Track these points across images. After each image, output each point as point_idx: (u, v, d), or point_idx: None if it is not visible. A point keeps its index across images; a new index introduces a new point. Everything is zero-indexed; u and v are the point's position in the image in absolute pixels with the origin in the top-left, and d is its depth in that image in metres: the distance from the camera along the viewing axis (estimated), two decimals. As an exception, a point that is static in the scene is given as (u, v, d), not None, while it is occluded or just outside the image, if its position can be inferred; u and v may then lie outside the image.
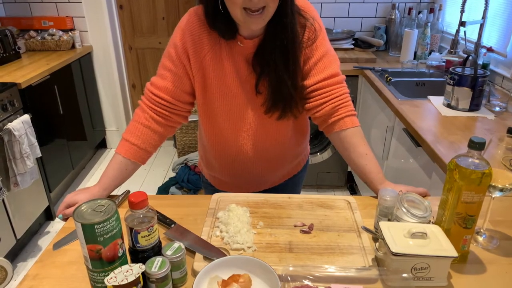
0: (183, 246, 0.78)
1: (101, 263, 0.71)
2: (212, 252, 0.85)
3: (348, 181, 2.90)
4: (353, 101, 2.55)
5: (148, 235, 0.75)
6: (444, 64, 2.35)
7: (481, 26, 2.07)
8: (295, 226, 0.95)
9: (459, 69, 1.74)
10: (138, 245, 0.75)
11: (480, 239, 0.92)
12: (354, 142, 1.07)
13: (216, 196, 1.07)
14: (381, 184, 1.03)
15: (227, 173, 1.25)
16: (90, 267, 0.71)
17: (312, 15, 1.05)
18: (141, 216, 0.74)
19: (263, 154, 1.18)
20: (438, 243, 0.78)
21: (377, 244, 0.85)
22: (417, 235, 0.78)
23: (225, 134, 1.14)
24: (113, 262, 0.72)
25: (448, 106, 1.78)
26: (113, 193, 1.09)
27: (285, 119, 1.10)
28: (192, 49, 1.03)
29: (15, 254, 2.27)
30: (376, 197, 1.04)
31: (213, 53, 1.03)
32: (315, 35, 1.04)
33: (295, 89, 1.04)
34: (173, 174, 2.76)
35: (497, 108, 1.75)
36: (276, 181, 1.29)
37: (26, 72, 2.42)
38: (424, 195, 1.01)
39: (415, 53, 2.64)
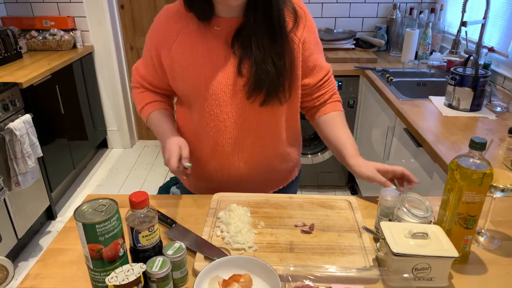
0: (184, 246, 0.78)
1: (102, 263, 0.71)
2: (213, 252, 0.85)
3: (349, 181, 2.90)
4: (354, 101, 2.56)
5: (149, 234, 0.75)
6: (445, 64, 2.35)
7: (483, 26, 2.07)
8: (296, 226, 0.95)
9: (460, 69, 1.74)
10: (139, 244, 0.75)
11: (481, 239, 0.91)
12: (338, 121, 1.14)
13: (217, 196, 1.07)
14: (352, 158, 1.05)
15: (201, 172, 1.15)
16: (91, 266, 0.71)
17: (303, 8, 1.07)
18: (142, 215, 0.74)
19: (242, 150, 1.09)
20: (439, 244, 0.78)
21: (378, 244, 0.85)
22: (418, 235, 0.78)
23: (202, 123, 1.07)
24: (114, 261, 0.72)
25: (449, 106, 1.78)
26: (113, 193, 1.09)
27: (269, 106, 1.03)
28: (162, 39, 1.04)
29: (16, 254, 2.28)
30: (377, 197, 1.04)
31: (181, 38, 1.02)
32: (305, 22, 1.05)
33: (284, 68, 1.00)
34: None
35: (498, 109, 1.74)
36: (257, 189, 1.14)
37: (28, 72, 2.42)
38: (401, 175, 1.01)
39: (416, 53, 2.63)
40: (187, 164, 0.98)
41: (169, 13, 1.04)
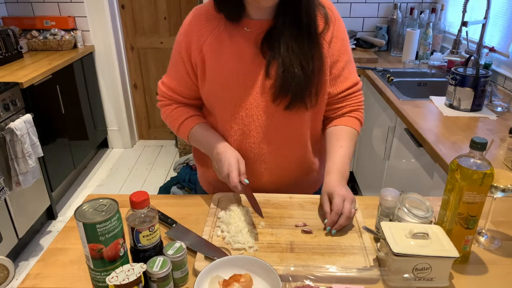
0: (184, 246, 0.78)
1: (103, 263, 0.71)
2: (213, 252, 0.85)
3: (350, 182, 2.89)
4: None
5: (150, 234, 0.75)
6: (446, 64, 2.35)
7: (483, 26, 2.07)
8: (297, 226, 0.95)
9: (461, 69, 1.74)
10: (140, 244, 0.75)
11: (482, 239, 0.91)
12: (340, 135, 1.07)
13: (217, 195, 1.07)
14: (327, 174, 1.00)
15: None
16: (92, 266, 0.71)
17: (334, 13, 1.04)
18: (142, 215, 0.74)
19: (266, 156, 1.07)
20: (440, 244, 0.78)
21: (378, 244, 0.85)
22: (419, 235, 0.78)
23: (226, 127, 1.07)
24: (115, 261, 0.72)
25: (450, 106, 1.78)
26: (113, 193, 1.09)
27: (294, 110, 1.01)
28: (193, 41, 1.02)
29: (17, 253, 2.28)
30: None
31: (212, 38, 1.01)
32: (334, 27, 1.02)
33: (311, 72, 0.98)
34: (175, 174, 2.76)
35: (499, 109, 1.74)
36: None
37: (28, 71, 2.42)
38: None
39: (417, 53, 2.63)
40: (245, 180, 0.97)
41: (199, 14, 1.03)
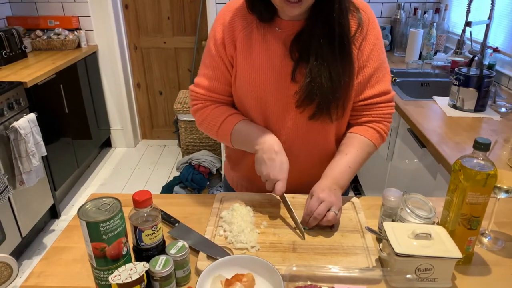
0: (186, 245, 0.78)
1: (106, 261, 0.71)
2: (215, 251, 0.85)
3: (352, 182, 2.89)
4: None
5: (152, 233, 0.75)
6: (449, 64, 2.34)
7: (487, 26, 2.06)
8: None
9: (464, 70, 1.73)
10: (142, 243, 0.75)
11: (485, 240, 0.91)
12: (350, 144, 1.04)
13: (220, 195, 1.07)
14: (322, 178, 0.99)
15: (248, 173, 1.13)
16: (95, 265, 0.72)
17: (368, 15, 1.00)
18: (145, 214, 0.75)
19: (290, 158, 1.03)
20: (442, 244, 0.78)
21: (381, 244, 0.85)
22: (421, 236, 0.78)
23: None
24: (118, 260, 0.72)
25: (454, 106, 1.77)
26: (116, 192, 1.09)
27: (318, 121, 0.99)
28: (227, 35, 1.01)
29: (21, 252, 2.29)
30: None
31: (243, 35, 0.99)
32: (366, 31, 0.99)
33: (340, 85, 0.95)
34: (177, 174, 2.77)
35: (503, 109, 1.74)
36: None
37: (32, 71, 2.43)
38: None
39: (420, 53, 2.62)
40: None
41: (234, 10, 1.01)
